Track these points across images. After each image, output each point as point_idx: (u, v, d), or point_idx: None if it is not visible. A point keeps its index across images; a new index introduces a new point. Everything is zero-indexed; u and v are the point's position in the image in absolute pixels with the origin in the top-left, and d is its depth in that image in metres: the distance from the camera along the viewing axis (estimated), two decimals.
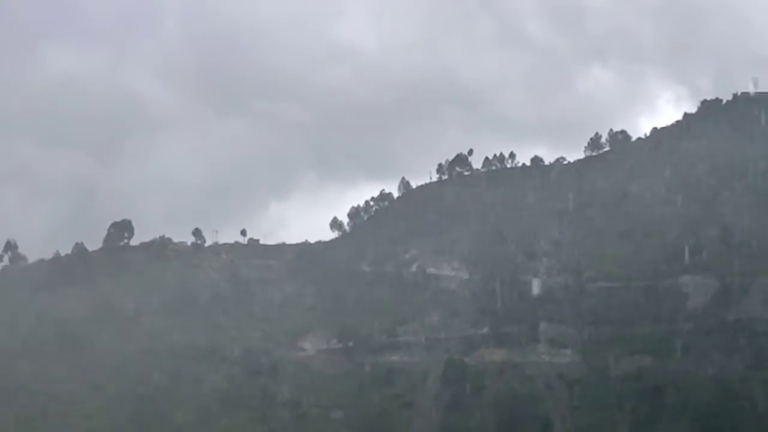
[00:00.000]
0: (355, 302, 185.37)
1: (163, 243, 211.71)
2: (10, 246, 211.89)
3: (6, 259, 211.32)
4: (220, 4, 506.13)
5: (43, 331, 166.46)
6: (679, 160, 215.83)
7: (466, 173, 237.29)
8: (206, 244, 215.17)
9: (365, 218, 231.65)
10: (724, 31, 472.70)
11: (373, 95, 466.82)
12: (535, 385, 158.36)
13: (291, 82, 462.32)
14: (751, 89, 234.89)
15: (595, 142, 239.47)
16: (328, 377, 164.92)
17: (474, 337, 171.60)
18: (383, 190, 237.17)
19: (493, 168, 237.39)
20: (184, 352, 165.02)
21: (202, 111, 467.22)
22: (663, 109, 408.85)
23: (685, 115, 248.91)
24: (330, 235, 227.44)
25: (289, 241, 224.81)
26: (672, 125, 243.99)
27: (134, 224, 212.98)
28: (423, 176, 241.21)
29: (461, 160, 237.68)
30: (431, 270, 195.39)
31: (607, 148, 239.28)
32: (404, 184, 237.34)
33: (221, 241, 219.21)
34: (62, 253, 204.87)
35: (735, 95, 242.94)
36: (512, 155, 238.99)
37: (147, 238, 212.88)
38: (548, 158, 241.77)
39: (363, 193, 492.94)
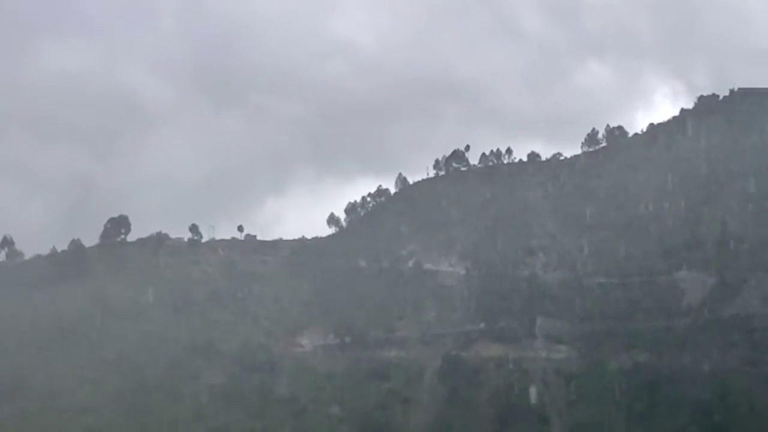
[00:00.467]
0: (352, 298, 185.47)
1: (160, 239, 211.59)
2: (6, 242, 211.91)
3: (3, 255, 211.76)
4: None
5: (40, 327, 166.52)
6: (676, 156, 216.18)
7: (462, 169, 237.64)
8: (203, 240, 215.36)
9: (362, 214, 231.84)
10: (721, 26, 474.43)
11: (370, 90, 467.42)
12: (532, 380, 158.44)
13: (288, 77, 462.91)
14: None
15: (591, 138, 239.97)
16: (325, 373, 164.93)
17: (471, 333, 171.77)
18: (380, 185, 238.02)
19: (490, 164, 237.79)
20: (181, 348, 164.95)
21: (198, 106, 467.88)
22: (660, 104, 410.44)
23: (682, 110, 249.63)
24: (327, 230, 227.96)
25: (285, 237, 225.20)
26: (669, 121, 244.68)
27: (131, 220, 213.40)
28: (420, 172, 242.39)
29: (458, 155, 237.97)
30: (428, 265, 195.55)
31: (603, 144, 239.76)
32: (401, 180, 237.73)
33: (218, 236, 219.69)
34: (59, 249, 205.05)
35: (732, 91, 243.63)
36: (509, 151, 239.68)
37: (144, 234, 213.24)
38: (545, 154, 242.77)
39: (360, 189, 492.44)
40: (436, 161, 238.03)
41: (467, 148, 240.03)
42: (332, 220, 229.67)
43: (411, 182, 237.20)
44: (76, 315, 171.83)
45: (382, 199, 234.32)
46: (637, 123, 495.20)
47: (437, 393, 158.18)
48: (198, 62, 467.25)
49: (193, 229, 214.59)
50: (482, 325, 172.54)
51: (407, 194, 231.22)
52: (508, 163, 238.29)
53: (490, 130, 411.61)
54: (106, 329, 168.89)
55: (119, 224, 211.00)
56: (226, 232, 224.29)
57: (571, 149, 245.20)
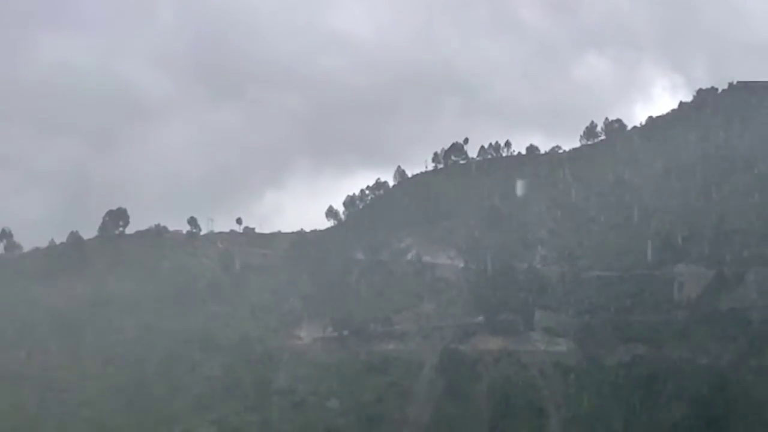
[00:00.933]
0: (350, 291, 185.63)
1: (159, 231, 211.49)
2: (5, 234, 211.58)
3: (1, 247, 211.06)
4: None
5: (38, 320, 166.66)
6: (675, 149, 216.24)
7: (461, 162, 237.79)
8: (202, 233, 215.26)
9: (361, 207, 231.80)
10: (720, 20, 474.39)
11: (368, 83, 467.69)
12: (530, 373, 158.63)
13: (286, 70, 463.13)
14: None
15: (590, 131, 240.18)
16: (323, 365, 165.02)
17: (469, 326, 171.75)
18: (379, 178, 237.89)
19: (489, 157, 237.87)
20: (180, 341, 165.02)
21: (197, 99, 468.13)
22: (658, 97, 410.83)
23: (681, 103, 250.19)
24: (325, 223, 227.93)
25: (284, 230, 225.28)
26: (667, 114, 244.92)
27: (129, 212, 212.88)
28: (418, 165, 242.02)
29: (457, 148, 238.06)
30: (427, 258, 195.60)
31: (602, 137, 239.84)
32: (400, 173, 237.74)
33: (217, 229, 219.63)
34: (57, 242, 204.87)
35: (731, 84, 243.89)
36: (507, 144, 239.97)
37: (142, 227, 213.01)
38: (543, 147, 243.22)
39: (358, 182, 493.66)
40: (435, 154, 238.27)
41: (466, 141, 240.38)
42: (331, 213, 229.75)
43: (410, 175, 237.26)
44: (75, 308, 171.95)
45: (381, 192, 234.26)
46: (636, 116, 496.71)
47: (436, 386, 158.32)
48: (197, 55, 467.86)
49: (192, 221, 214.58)
50: (481, 318, 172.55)
51: (406, 187, 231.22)
52: (507, 156, 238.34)
53: (489, 123, 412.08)
54: (104, 322, 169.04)
55: (118, 217, 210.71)
56: (224, 225, 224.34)
57: (570, 142, 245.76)
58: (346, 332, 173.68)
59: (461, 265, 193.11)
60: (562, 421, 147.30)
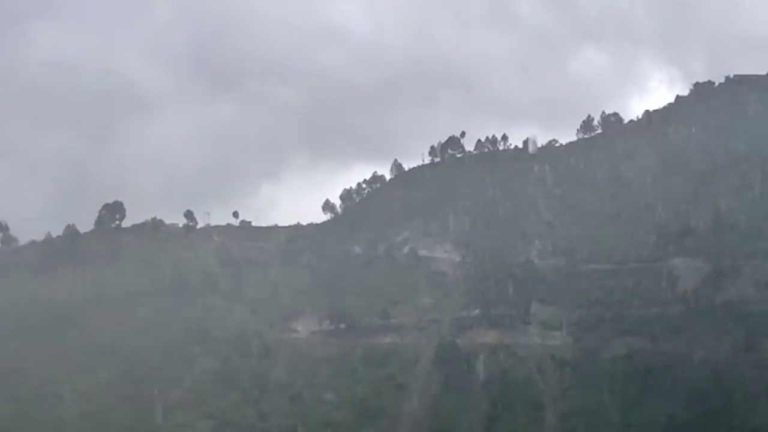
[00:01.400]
0: (347, 284, 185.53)
1: (155, 225, 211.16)
2: (1, 228, 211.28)
3: None
4: None
5: (34, 313, 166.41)
6: (671, 143, 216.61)
7: (458, 155, 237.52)
8: (198, 226, 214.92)
9: (357, 200, 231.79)
10: (717, 13, 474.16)
11: (366, 77, 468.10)
12: (527, 366, 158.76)
13: (284, 64, 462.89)
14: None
15: (587, 125, 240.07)
16: (320, 359, 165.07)
17: (466, 319, 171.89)
18: (375, 172, 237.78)
19: (486, 150, 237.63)
20: (177, 334, 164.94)
21: (194, 92, 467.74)
22: (655, 91, 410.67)
23: (678, 97, 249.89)
24: (322, 217, 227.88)
25: (281, 223, 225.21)
26: (664, 107, 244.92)
27: (126, 206, 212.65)
28: (415, 158, 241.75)
29: (454, 142, 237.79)
30: (423, 252, 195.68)
31: (599, 131, 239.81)
32: (396, 166, 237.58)
33: (213, 222, 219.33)
34: (54, 235, 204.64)
35: (727, 78, 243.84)
36: (504, 137, 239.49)
37: (139, 220, 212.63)
38: (541, 140, 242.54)
39: (355, 175, 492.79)
40: (432, 148, 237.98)
41: (463, 134, 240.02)
42: (327, 206, 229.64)
43: (407, 169, 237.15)
44: (71, 301, 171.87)
45: (378, 185, 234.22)
46: (633, 110, 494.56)
47: (432, 379, 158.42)
48: (194, 49, 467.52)
49: (188, 215, 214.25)
50: (477, 311, 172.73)
51: (403, 181, 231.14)
52: (504, 150, 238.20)
53: (486, 116, 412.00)
54: (101, 315, 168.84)
55: (114, 210, 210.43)
56: (221, 218, 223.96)
57: (567, 136, 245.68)
58: (342, 325, 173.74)
59: (458, 258, 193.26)
60: (559, 414, 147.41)
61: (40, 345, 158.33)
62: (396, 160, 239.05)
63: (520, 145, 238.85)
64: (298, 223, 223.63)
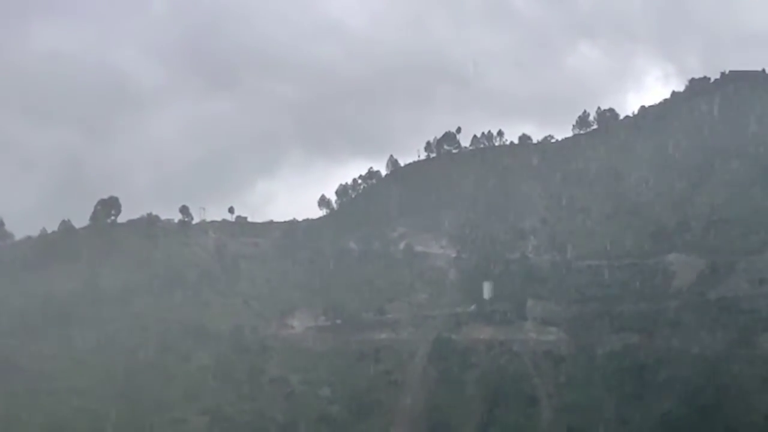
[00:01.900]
0: (343, 280, 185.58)
1: (151, 220, 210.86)
2: None
3: None
4: None
5: (30, 309, 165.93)
6: (667, 139, 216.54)
7: (454, 151, 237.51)
8: (194, 222, 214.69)
9: (353, 196, 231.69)
10: (713, 9, 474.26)
11: (361, 73, 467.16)
12: (522, 362, 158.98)
13: (280, 59, 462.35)
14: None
15: (583, 120, 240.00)
16: (316, 354, 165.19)
17: (461, 315, 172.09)
18: (371, 167, 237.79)
19: (481, 146, 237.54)
20: (172, 329, 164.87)
21: (189, 88, 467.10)
22: (651, 87, 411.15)
23: (673, 93, 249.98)
24: (318, 212, 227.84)
25: (276, 219, 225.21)
26: (660, 103, 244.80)
27: (121, 201, 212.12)
28: (411, 154, 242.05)
29: (449, 138, 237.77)
30: (419, 248, 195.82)
31: (594, 126, 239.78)
32: (392, 162, 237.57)
33: (209, 218, 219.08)
34: (49, 231, 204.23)
35: (723, 74, 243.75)
36: (500, 133, 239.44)
37: (134, 216, 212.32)
38: (536, 136, 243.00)
39: (351, 171, 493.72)
40: (428, 143, 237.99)
41: (458, 130, 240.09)
42: (323, 202, 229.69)
43: (402, 164, 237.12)
44: (67, 296, 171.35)
45: (374, 181, 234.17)
46: (629, 105, 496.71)
47: (428, 374, 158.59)
48: (189, 45, 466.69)
49: (184, 210, 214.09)
50: (473, 307, 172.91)
51: (398, 177, 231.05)
52: (500, 146, 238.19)
53: (481, 112, 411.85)
54: (96, 311, 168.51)
55: (110, 206, 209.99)
56: (216, 213, 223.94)
57: (563, 132, 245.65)
58: (338, 321, 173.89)
59: (453, 254, 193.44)
60: (554, 410, 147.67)
61: (35, 341, 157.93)
62: (392, 155, 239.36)
63: (516, 141, 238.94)
64: (294, 218, 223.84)
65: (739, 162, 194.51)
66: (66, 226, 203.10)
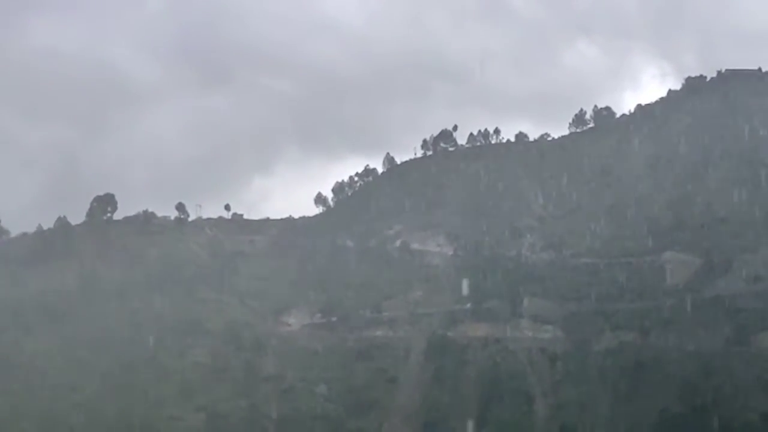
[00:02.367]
0: (339, 277, 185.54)
1: (147, 217, 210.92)
2: None
3: None
4: None
5: (25, 305, 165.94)
6: (663, 137, 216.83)
7: (450, 149, 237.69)
8: (190, 219, 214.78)
9: (350, 193, 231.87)
10: (710, 7, 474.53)
11: (358, 69, 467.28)
12: (518, 359, 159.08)
13: (276, 54, 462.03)
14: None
15: (579, 118, 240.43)
16: (312, 352, 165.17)
17: (457, 313, 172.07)
18: (368, 165, 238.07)
19: (478, 144, 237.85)
20: (168, 327, 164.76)
21: (186, 84, 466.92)
22: (647, 85, 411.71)
23: (670, 91, 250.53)
24: (314, 210, 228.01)
25: (273, 216, 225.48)
26: (656, 102, 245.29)
27: (117, 198, 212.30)
28: (408, 152, 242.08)
29: (446, 135, 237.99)
30: (415, 245, 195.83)
31: (591, 125, 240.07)
32: (389, 160, 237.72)
33: (205, 215, 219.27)
34: (45, 227, 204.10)
35: (719, 72, 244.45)
36: (497, 131, 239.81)
37: (130, 213, 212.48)
38: (533, 134, 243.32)
39: (347, 168, 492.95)
40: (424, 141, 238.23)
41: (455, 128, 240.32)
42: (320, 199, 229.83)
43: (399, 162, 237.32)
44: (62, 293, 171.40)
45: (370, 178, 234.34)
46: (625, 104, 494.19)
47: (424, 372, 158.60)
48: (185, 41, 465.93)
49: (180, 207, 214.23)
50: (469, 305, 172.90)
51: (395, 174, 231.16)
52: (496, 144, 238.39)
53: (478, 109, 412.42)
54: (92, 308, 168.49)
55: (106, 202, 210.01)
56: (213, 211, 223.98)
57: (559, 130, 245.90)
58: (334, 319, 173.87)
59: (450, 252, 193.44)
60: (549, 408, 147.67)
61: (31, 337, 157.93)
62: (388, 153, 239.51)
63: (513, 139, 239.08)
64: (290, 216, 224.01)
65: (735, 160, 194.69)
66: (62, 223, 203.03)
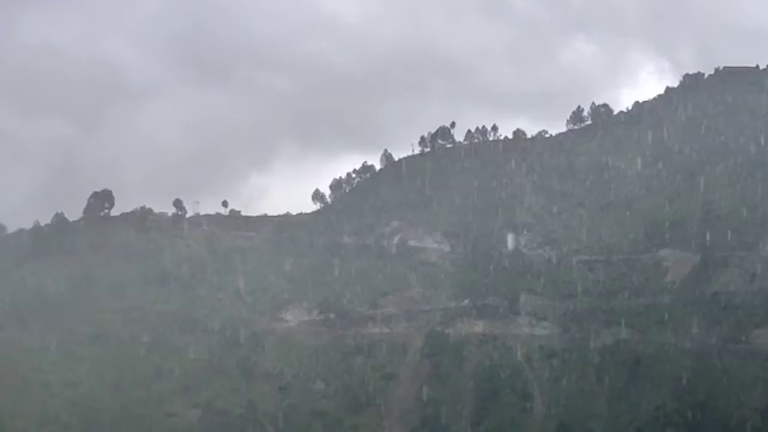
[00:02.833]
0: (336, 274, 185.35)
1: (144, 214, 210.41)
2: None
3: None
4: None
5: (23, 301, 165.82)
6: (661, 134, 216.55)
7: (448, 146, 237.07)
8: (187, 215, 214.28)
9: (347, 190, 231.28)
10: (707, 4, 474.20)
11: (356, 65, 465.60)
12: (515, 356, 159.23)
13: (273, 51, 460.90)
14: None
15: (577, 116, 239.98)
16: (309, 348, 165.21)
17: (455, 309, 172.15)
18: (365, 162, 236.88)
19: (476, 141, 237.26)
20: (165, 323, 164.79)
21: (183, 80, 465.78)
22: (645, 82, 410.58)
23: (667, 89, 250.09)
24: (312, 206, 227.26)
25: (270, 213, 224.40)
26: (653, 99, 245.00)
27: (115, 194, 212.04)
28: (405, 148, 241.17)
29: (443, 132, 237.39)
30: (413, 242, 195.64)
31: (588, 122, 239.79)
32: (386, 157, 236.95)
33: (202, 211, 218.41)
34: (42, 223, 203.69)
35: (717, 69, 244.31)
36: (494, 128, 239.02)
37: (127, 209, 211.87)
38: (530, 131, 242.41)
39: (345, 165, 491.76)
40: (422, 138, 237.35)
41: (453, 125, 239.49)
42: (317, 196, 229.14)
43: (396, 159, 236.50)
44: (60, 289, 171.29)
45: (368, 175, 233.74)
46: (623, 101, 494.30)
47: (421, 369, 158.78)
48: (183, 37, 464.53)
49: (177, 204, 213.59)
50: (466, 301, 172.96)
51: (393, 171, 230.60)
52: (494, 141, 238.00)
53: (476, 106, 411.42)
54: (89, 304, 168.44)
55: (103, 198, 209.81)
56: (210, 207, 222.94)
57: (557, 127, 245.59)
58: (331, 315, 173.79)
59: (447, 249, 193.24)
60: (547, 404, 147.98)
61: (28, 333, 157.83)
62: (386, 150, 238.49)
63: (510, 136, 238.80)
64: (288, 212, 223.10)
65: (732, 158, 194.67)
66: (59, 219, 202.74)
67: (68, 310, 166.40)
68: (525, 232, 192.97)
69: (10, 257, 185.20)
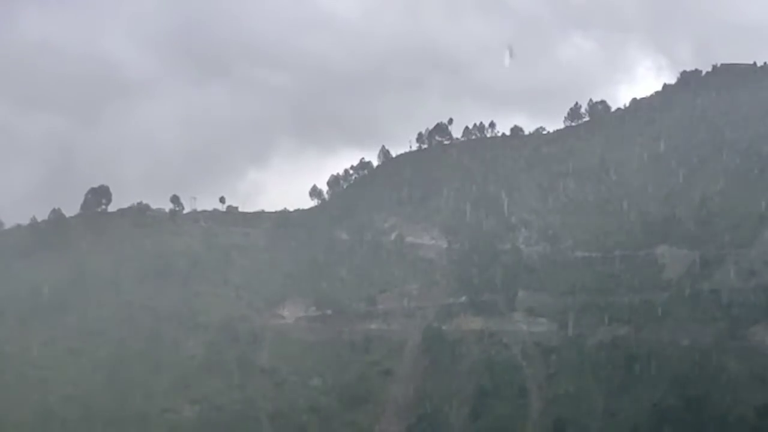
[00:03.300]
0: (333, 270, 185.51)
1: (141, 209, 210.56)
2: None
3: None
4: None
5: (20, 297, 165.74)
6: (658, 131, 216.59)
7: (445, 142, 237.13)
8: (184, 211, 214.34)
9: (344, 186, 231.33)
10: (705, 1, 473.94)
11: (353, 62, 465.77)
12: (512, 353, 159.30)
13: (271, 47, 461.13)
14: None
15: (574, 112, 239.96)
16: (306, 345, 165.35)
17: (452, 306, 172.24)
18: (363, 158, 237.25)
19: (473, 137, 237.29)
20: (162, 319, 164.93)
21: (181, 76, 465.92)
22: (643, 79, 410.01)
23: (665, 85, 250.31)
24: (309, 202, 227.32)
25: (267, 209, 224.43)
26: (651, 96, 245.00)
27: (112, 190, 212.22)
28: (403, 145, 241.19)
29: (441, 128, 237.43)
30: (410, 239, 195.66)
31: (586, 119, 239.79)
32: (384, 153, 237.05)
33: (200, 208, 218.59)
34: (39, 219, 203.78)
35: (714, 66, 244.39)
36: (492, 124, 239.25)
37: (125, 205, 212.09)
38: (528, 127, 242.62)
39: (342, 161, 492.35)
40: (419, 134, 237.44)
41: (450, 121, 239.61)
42: (314, 192, 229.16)
43: (394, 155, 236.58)
44: (57, 285, 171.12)
45: (365, 171, 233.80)
46: (620, 97, 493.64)
47: (418, 365, 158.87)
48: (181, 33, 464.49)
49: (175, 200, 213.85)
50: (463, 298, 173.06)
51: (390, 167, 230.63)
52: (491, 137, 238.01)
53: (473, 102, 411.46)
54: (86, 299, 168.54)
55: (100, 194, 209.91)
56: (207, 203, 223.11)
57: (554, 124, 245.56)
58: (329, 311, 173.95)
59: (444, 245, 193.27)
60: (544, 401, 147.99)
61: (25, 329, 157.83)
62: (383, 146, 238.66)
63: (508, 133, 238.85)
64: (285, 208, 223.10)
65: (730, 155, 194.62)
66: (56, 215, 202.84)
67: (65, 305, 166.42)
68: (522, 228, 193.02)
69: (7, 253, 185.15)
